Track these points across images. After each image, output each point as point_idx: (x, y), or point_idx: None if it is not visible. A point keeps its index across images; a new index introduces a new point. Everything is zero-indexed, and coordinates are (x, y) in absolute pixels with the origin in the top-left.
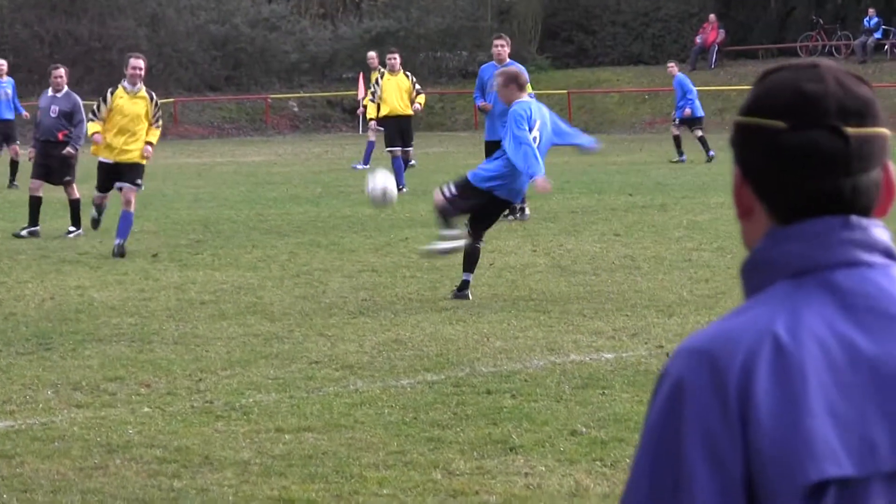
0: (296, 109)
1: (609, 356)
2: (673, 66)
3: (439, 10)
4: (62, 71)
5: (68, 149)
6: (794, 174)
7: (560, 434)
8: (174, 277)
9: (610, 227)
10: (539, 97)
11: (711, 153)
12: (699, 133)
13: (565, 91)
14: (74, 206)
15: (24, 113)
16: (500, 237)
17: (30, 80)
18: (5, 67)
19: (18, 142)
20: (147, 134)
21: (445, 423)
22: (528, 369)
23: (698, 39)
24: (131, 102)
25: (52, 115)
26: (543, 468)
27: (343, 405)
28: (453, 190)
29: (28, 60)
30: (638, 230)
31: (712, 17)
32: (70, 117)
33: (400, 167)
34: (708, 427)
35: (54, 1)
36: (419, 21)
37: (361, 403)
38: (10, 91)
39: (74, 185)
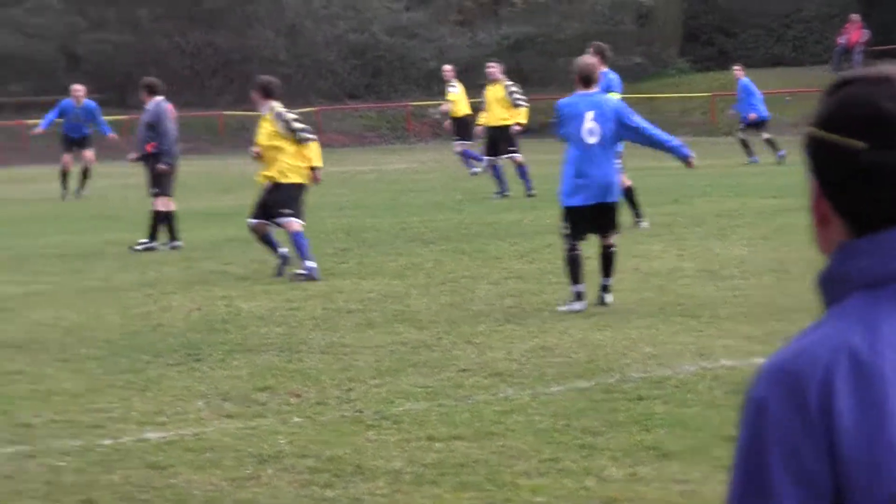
0: (437, 116)
1: (761, 361)
2: (739, 70)
3: (578, 15)
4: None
5: (159, 165)
6: (873, 192)
7: (714, 440)
8: (320, 286)
9: (757, 231)
10: (681, 100)
11: (782, 153)
12: (766, 136)
13: (709, 94)
14: (157, 218)
15: (111, 134)
16: (646, 242)
17: (171, 92)
18: (82, 92)
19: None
20: (302, 155)
21: (597, 429)
22: (679, 375)
23: (841, 40)
24: (261, 126)
25: (141, 128)
26: (699, 475)
27: (493, 413)
28: (565, 227)
29: (168, 71)
30: (786, 233)
31: (855, 17)
32: (154, 128)
33: (498, 175)
34: (791, 444)
35: (193, 12)
36: (558, 26)
37: (511, 411)
38: (83, 115)
39: (161, 199)
